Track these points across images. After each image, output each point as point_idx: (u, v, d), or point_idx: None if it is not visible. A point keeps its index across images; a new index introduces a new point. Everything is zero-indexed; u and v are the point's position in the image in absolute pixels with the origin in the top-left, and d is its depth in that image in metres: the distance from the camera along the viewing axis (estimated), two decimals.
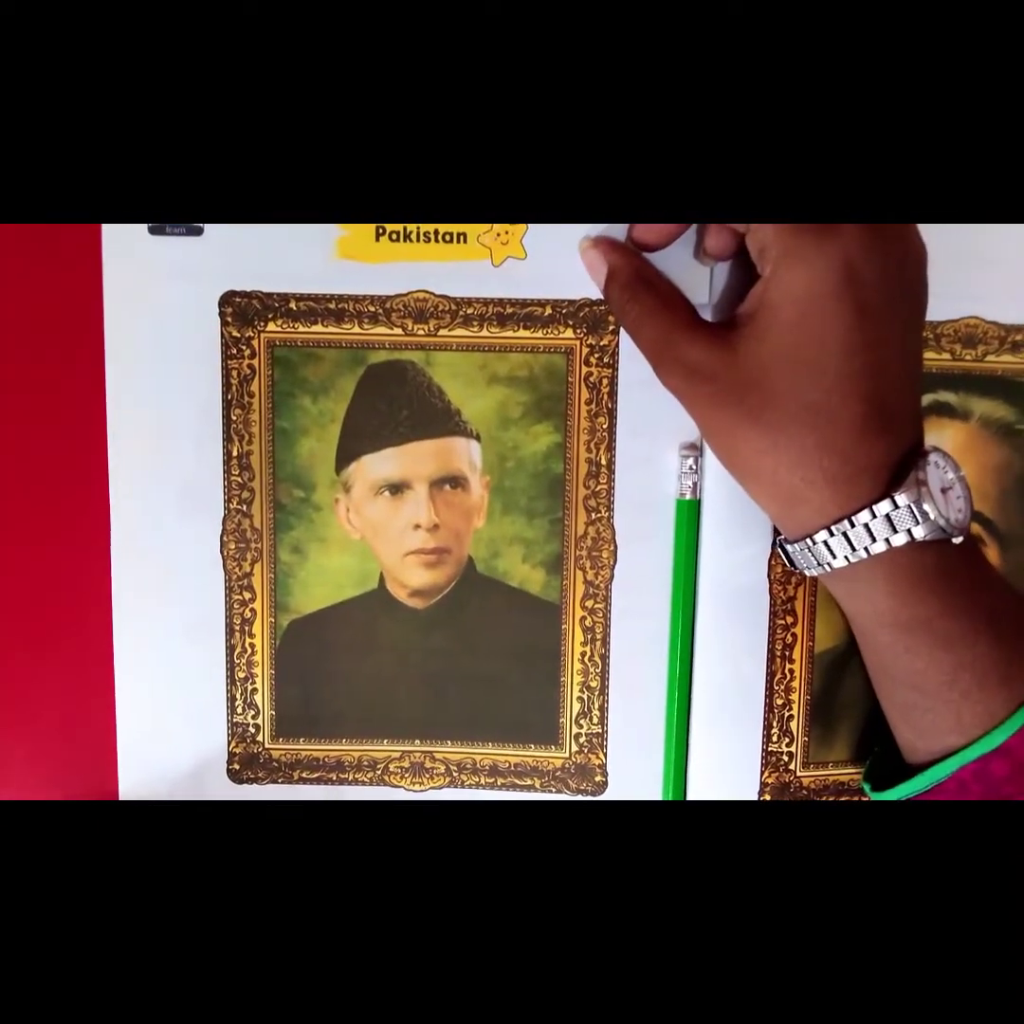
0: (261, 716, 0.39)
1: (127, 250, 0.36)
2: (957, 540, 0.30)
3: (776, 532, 0.37)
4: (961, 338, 0.37)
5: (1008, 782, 0.30)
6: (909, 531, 0.29)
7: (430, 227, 0.36)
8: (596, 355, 0.37)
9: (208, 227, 0.36)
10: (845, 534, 0.30)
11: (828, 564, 0.31)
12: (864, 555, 0.30)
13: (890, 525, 0.29)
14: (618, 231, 0.35)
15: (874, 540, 0.30)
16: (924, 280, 0.31)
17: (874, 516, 0.29)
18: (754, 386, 0.30)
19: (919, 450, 0.30)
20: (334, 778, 0.39)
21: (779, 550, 0.34)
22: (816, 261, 0.29)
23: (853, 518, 0.30)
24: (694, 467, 0.37)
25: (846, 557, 0.30)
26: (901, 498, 0.29)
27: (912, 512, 0.29)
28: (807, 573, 0.32)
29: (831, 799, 0.39)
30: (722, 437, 0.31)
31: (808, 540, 0.31)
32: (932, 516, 0.29)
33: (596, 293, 0.36)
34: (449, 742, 0.39)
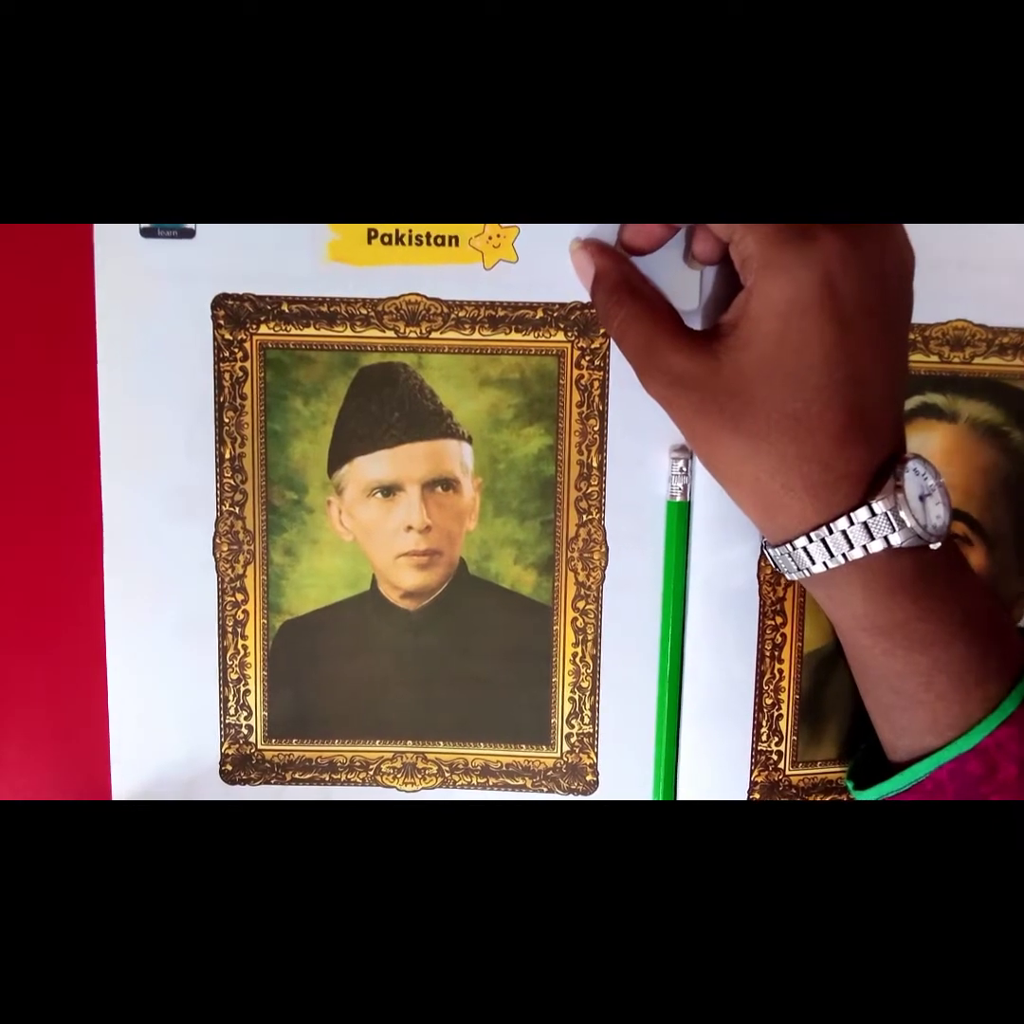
0: (254, 717, 0.39)
1: (119, 252, 0.37)
2: (935, 546, 0.30)
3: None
4: (949, 340, 0.38)
5: (983, 782, 0.31)
6: (886, 538, 0.30)
7: (422, 230, 0.37)
8: (587, 358, 0.37)
9: (200, 230, 0.37)
10: (823, 540, 0.31)
11: (807, 569, 0.32)
12: (842, 561, 0.31)
13: (867, 532, 0.30)
14: (609, 233, 0.35)
15: (852, 547, 0.31)
16: (909, 289, 0.32)
17: (852, 523, 0.31)
18: (736, 395, 0.31)
19: (899, 457, 0.31)
20: (326, 779, 0.39)
21: (765, 553, 0.34)
22: (797, 274, 0.29)
23: (832, 525, 0.31)
24: (684, 469, 0.37)
25: (825, 563, 0.31)
26: (878, 506, 0.30)
27: (889, 519, 0.30)
28: (787, 577, 0.33)
29: (820, 797, 0.39)
30: (704, 444, 0.32)
31: (788, 545, 0.32)
32: (909, 523, 0.30)
33: (587, 296, 0.36)
34: (441, 743, 0.39)
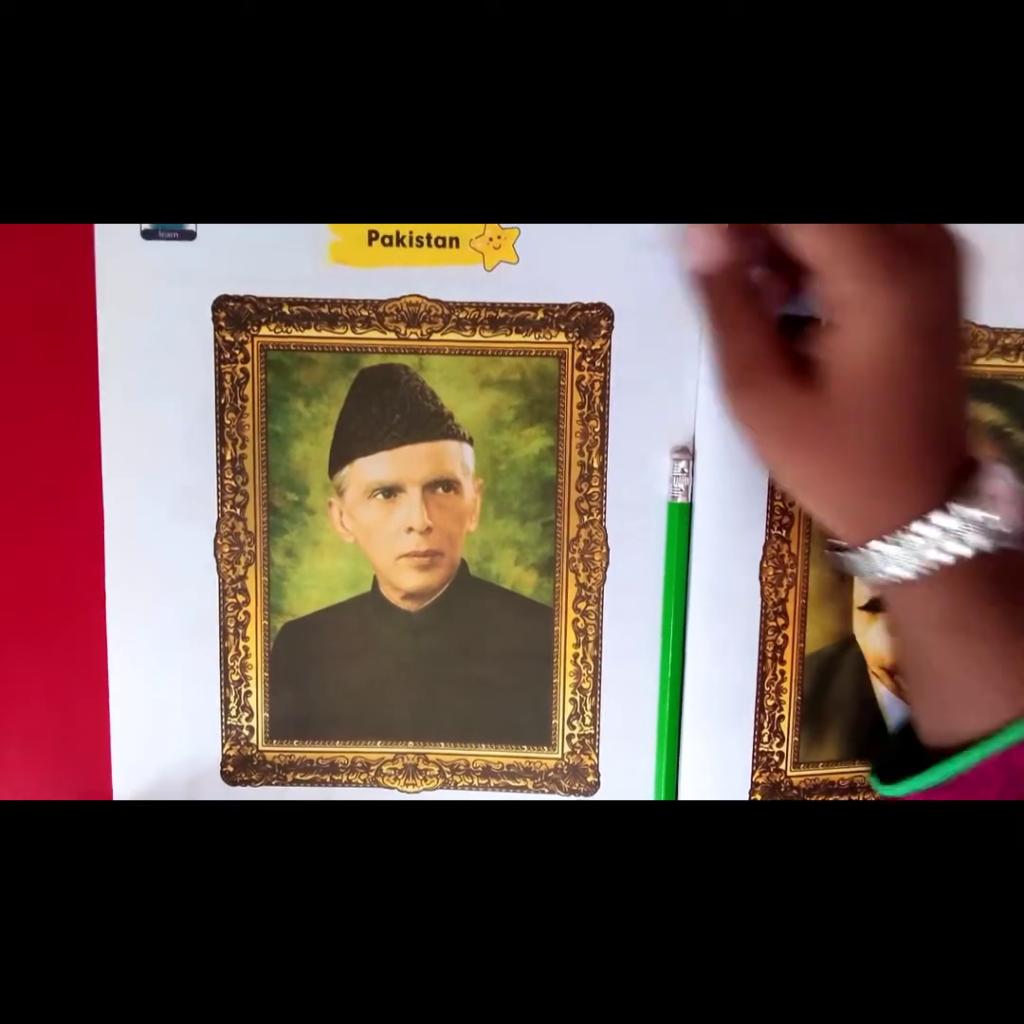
0: (255, 718, 0.39)
1: (120, 254, 0.37)
2: (1014, 547, 0.32)
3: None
4: None
5: None
6: (966, 540, 0.31)
7: (422, 231, 0.37)
8: (588, 359, 0.37)
9: (201, 231, 0.37)
10: (905, 544, 0.32)
11: (886, 572, 0.32)
12: (924, 566, 0.32)
13: (950, 535, 0.31)
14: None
15: (933, 550, 0.31)
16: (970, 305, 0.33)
17: (934, 527, 0.31)
18: (830, 426, 0.32)
19: (978, 463, 0.32)
20: (328, 780, 0.40)
21: (832, 555, 0.34)
22: (888, 317, 0.30)
23: (913, 529, 0.31)
24: (686, 470, 0.37)
25: (906, 566, 0.32)
26: (962, 510, 0.31)
27: (971, 523, 0.31)
28: (864, 580, 0.34)
29: (821, 799, 0.39)
30: (792, 468, 0.33)
31: (867, 547, 0.32)
32: (989, 526, 0.31)
33: (587, 297, 0.36)
34: (442, 744, 0.39)
